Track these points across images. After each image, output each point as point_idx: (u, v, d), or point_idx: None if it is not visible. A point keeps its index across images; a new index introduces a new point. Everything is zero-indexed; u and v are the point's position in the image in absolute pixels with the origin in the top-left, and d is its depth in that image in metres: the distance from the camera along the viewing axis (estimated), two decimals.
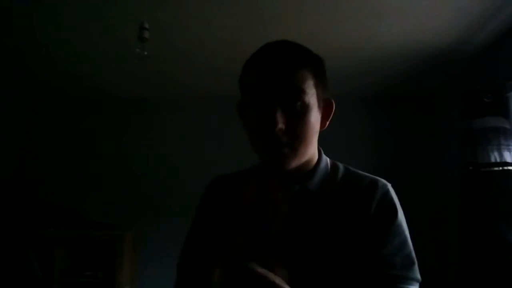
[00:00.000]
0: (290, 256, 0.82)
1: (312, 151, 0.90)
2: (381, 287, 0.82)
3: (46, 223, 3.15)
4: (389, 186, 0.91)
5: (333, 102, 0.92)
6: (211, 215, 0.97)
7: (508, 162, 2.21)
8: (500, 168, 2.21)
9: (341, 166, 0.96)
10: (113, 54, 2.79)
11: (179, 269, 0.98)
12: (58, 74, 3.22)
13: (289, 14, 2.26)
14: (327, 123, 0.92)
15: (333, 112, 0.92)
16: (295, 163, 0.85)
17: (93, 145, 3.63)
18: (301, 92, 0.83)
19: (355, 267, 0.82)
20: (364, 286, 0.81)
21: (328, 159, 0.97)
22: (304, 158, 0.88)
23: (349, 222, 0.86)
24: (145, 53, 1.79)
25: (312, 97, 0.84)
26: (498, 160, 2.21)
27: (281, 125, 0.80)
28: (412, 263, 0.85)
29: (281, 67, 0.83)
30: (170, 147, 3.55)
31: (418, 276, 0.86)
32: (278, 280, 0.73)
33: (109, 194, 3.49)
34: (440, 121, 3.36)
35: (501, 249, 2.12)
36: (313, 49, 0.92)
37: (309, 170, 0.91)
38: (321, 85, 0.88)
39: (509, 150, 2.22)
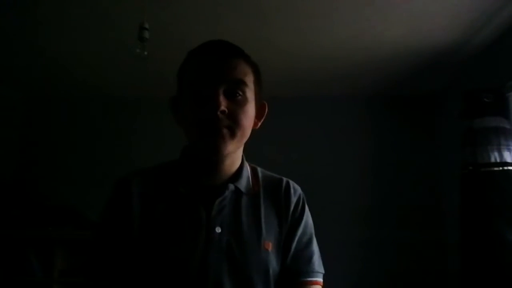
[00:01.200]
0: (236, 257, 0.85)
1: (242, 144, 0.94)
2: (289, 280, 0.91)
3: (46, 223, 3.14)
4: (300, 189, 1.01)
5: (266, 105, 0.98)
6: (130, 217, 0.86)
7: (508, 162, 2.21)
8: (500, 168, 2.21)
9: (258, 168, 1.02)
10: (113, 54, 2.79)
11: (95, 281, 0.85)
12: (58, 74, 3.22)
13: (289, 15, 2.26)
14: (259, 124, 0.97)
15: (265, 115, 0.98)
16: (231, 147, 0.87)
17: (93, 145, 3.63)
18: (243, 84, 0.88)
19: (279, 262, 0.91)
20: (277, 281, 0.90)
21: (246, 161, 1.00)
22: (238, 146, 0.91)
23: (276, 221, 0.93)
24: (145, 53, 1.79)
25: (251, 92, 0.90)
26: (498, 160, 2.21)
27: (223, 108, 0.84)
28: (315, 259, 0.95)
29: (226, 58, 0.88)
30: (170, 147, 3.53)
31: (321, 269, 0.95)
32: None
33: (109, 194, 3.48)
34: (440, 121, 3.36)
35: (501, 249, 2.11)
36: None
37: (236, 170, 0.94)
38: (259, 86, 0.94)
39: (509, 150, 2.22)
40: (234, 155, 0.92)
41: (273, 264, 0.89)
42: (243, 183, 0.93)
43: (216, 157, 0.89)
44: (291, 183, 1.00)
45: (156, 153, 3.60)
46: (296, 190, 0.98)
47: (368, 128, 3.49)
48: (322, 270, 0.95)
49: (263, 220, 0.91)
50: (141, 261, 0.84)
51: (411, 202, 3.31)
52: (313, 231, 0.98)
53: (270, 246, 0.89)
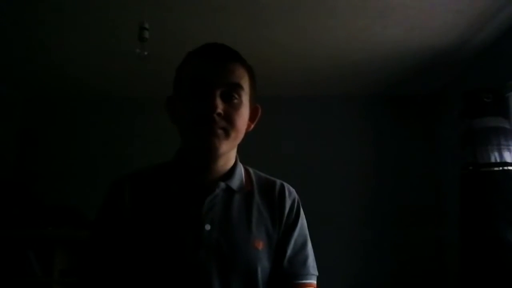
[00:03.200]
0: (225, 255, 0.86)
1: (236, 145, 0.95)
2: (283, 283, 0.91)
3: (46, 223, 3.14)
4: (295, 191, 1.01)
5: (260, 109, 1.00)
6: (124, 217, 0.89)
7: (508, 162, 2.21)
8: (500, 168, 2.21)
9: (250, 169, 1.02)
10: (113, 54, 2.79)
11: (88, 282, 0.89)
12: (58, 74, 3.22)
13: (289, 15, 2.26)
14: (252, 126, 0.99)
15: (258, 117, 1.00)
16: (225, 147, 0.89)
17: (93, 145, 3.63)
18: (240, 88, 0.90)
19: (269, 262, 0.91)
20: (271, 282, 0.90)
21: (239, 162, 1.01)
22: (232, 146, 0.93)
23: (269, 221, 0.93)
24: (145, 53, 1.79)
25: (246, 95, 0.93)
26: (498, 160, 2.21)
27: (219, 110, 0.86)
28: (310, 261, 0.95)
29: (225, 61, 0.91)
30: (170, 147, 3.53)
31: (315, 271, 0.96)
32: None
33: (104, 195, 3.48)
34: (440, 121, 3.36)
35: (500, 249, 2.12)
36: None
37: (229, 169, 0.95)
38: (253, 89, 0.96)
39: (509, 150, 2.22)
40: (228, 155, 0.94)
41: (263, 262, 0.89)
42: (235, 182, 0.94)
43: (210, 155, 0.90)
44: (286, 185, 1.00)
45: (156, 153, 3.59)
46: (291, 193, 0.99)
47: (368, 128, 3.49)
48: (316, 272, 0.96)
49: (254, 219, 0.91)
50: (133, 260, 0.86)
51: (411, 202, 3.32)
52: (307, 233, 0.98)
53: (260, 244, 0.90)
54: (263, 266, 0.89)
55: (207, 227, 0.87)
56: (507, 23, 2.27)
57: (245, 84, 0.92)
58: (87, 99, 3.68)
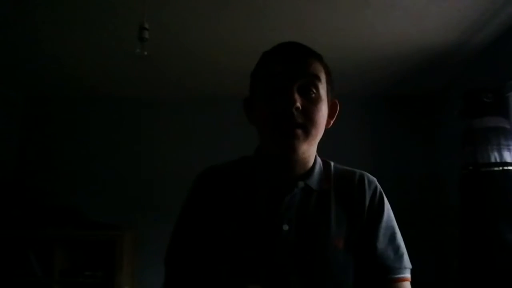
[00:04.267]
0: (304, 255, 0.85)
1: (317, 142, 0.93)
2: (377, 278, 0.88)
3: (46, 223, 3.14)
4: (376, 180, 0.97)
5: (338, 104, 0.97)
6: (205, 209, 0.91)
7: (508, 162, 2.21)
8: (500, 168, 2.21)
9: (331, 163, 1.00)
10: (113, 54, 2.79)
11: (168, 266, 0.92)
12: (58, 74, 3.22)
13: (289, 15, 2.26)
14: (332, 122, 0.96)
15: (337, 113, 0.97)
16: (305, 147, 0.88)
17: (93, 145, 3.63)
18: (317, 80, 0.88)
19: (355, 260, 0.88)
20: (362, 279, 0.87)
21: (319, 157, 0.99)
22: (312, 144, 0.90)
23: (348, 217, 0.90)
24: (145, 53, 1.79)
25: (324, 90, 0.90)
26: (498, 160, 2.21)
27: (298, 105, 0.83)
28: (402, 253, 0.91)
29: (300, 57, 0.89)
30: (170, 147, 3.55)
31: (409, 264, 0.92)
32: None
33: (109, 194, 3.48)
34: (440, 121, 3.36)
35: (500, 249, 2.11)
36: (313, 49, 0.93)
37: (309, 168, 0.93)
38: (331, 84, 0.93)
39: (509, 150, 2.22)
40: (308, 153, 0.91)
41: (345, 261, 0.86)
42: (314, 180, 0.92)
43: (290, 157, 0.88)
44: (366, 175, 0.96)
45: (156, 153, 3.61)
46: (371, 183, 0.95)
47: (368, 128, 3.50)
48: (410, 265, 0.91)
49: (333, 217, 0.89)
50: (212, 255, 0.87)
51: (411, 202, 3.31)
52: (395, 224, 0.94)
53: (341, 243, 0.87)
54: (345, 265, 0.86)
55: (285, 227, 0.86)
56: (507, 23, 2.27)
57: (322, 77, 0.90)
58: (87, 99, 3.68)
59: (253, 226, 0.87)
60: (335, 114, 0.96)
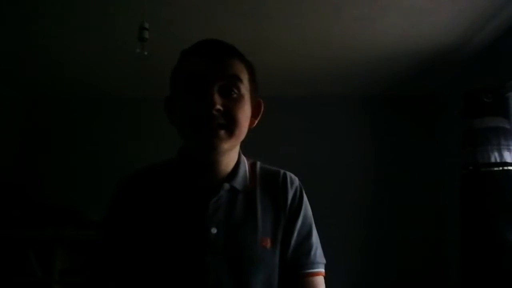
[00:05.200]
0: (234, 257, 0.85)
1: (239, 142, 0.92)
2: (290, 274, 0.90)
3: (46, 223, 3.14)
4: (298, 179, 0.99)
5: (262, 103, 0.96)
6: (128, 218, 0.88)
7: (508, 162, 2.21)
8: (500, 168, 2.21)
9: (257, 162, 1.00)
10: (113, 54, 2.79)
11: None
12: (58, 74, 3.22)
13: (289, 14, 2.26)
14: (256, 122, 0.96)
15: (261, 113, 0.96)
16: (228, 145, 0.86)
17: (93, 145, 3.63)
18: (238, 80, 0.86)
19: (278, 257, 0.90)
20: (280, 275, 0.89)
21: (244, 156, 0.98)
22: (235, 145, 0.90)
23: (274, 217, 0.91)
24: (145, 53, 1.79)
25: (246, 89, 0.88)
26: (498, 160, 2.21)
27: (218, 106, 0.82)
28: (316, 249, 0.94)
29: (221, 56, 0.87)
30: (170, 147, 3.54)
31: (322, 259, 0.95)
32: None
33: (109, 194, 3.48)
34: (440, 121, 3.36)
35: (501, 249, 2.11)
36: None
37: (232, 168, 0.93)
38: (254, 84, 0.92)
39: (509, 150, 2.22)
40: (231, 154, 0.91)
41: (272, 260, 0.88)
42: (239, 181, 0.91)
43: (212, 157, 0.88)
44: (288, 174, 0.98)
45: (156, 153, 3.60)
46: (293, 182, 0.97)
47: (368, 128, 3.50)
48: (323, 260, 0.94)
49: (259, 217, 0.89)
50: (139, 262, 0.85)
51: (411, 202, 3.31)
52: (312, 222, 0.96)
53: (268, 242, 0.88)
54: (273, 264, 0.88)
55: (213, 230, 0.85)
56: (507, 23, 2.27)
57: (244, 77, 0.88)
58: (88, 99, 3.68)
59: (181, 231, 0.85)
60: (259, 113, 0.96)
